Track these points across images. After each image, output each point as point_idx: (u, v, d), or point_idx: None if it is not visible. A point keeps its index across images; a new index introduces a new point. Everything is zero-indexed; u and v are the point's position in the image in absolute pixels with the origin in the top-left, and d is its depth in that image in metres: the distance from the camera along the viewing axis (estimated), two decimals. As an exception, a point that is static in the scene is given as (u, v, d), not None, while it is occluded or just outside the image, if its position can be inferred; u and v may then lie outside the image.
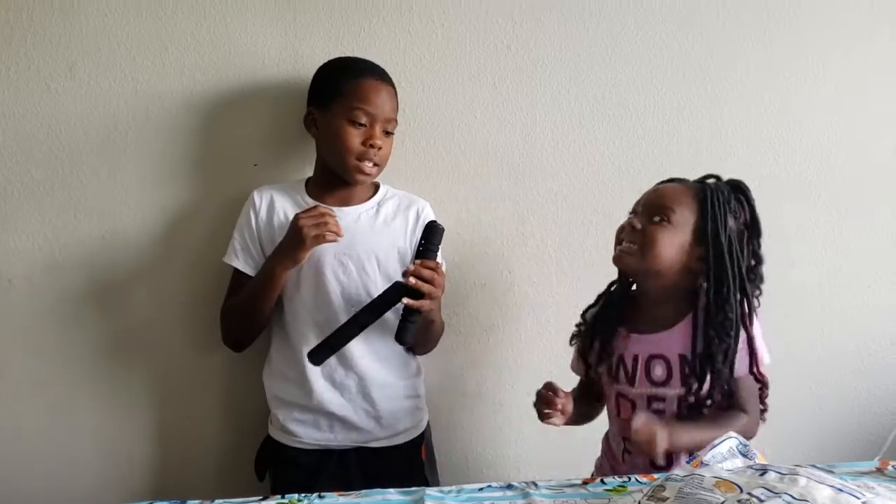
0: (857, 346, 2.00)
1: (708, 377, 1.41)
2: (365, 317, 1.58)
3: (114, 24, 1.78)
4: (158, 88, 1.80)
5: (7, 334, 1.83)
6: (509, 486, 1.29)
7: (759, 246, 1.47)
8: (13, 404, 1.85)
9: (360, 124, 1.65)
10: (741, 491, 1.03)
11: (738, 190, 1.47)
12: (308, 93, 1.74)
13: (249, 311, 1.67)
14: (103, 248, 1.82)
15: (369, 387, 1.70)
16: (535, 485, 1.29)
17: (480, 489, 1.29)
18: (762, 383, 1.47)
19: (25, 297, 1.82)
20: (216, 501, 1.25)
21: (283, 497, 1.26)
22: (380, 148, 1.66)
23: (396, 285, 1.58)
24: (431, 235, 1.58)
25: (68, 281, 1.82)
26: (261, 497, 1.27)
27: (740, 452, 1.19)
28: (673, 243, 1.42)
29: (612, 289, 1.58)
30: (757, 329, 1.46)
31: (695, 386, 1.42)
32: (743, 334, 1.43)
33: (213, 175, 1.84)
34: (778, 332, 1.93)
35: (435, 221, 1.60)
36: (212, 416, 1.90)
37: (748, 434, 1.41)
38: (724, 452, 1.18)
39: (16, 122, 1.78)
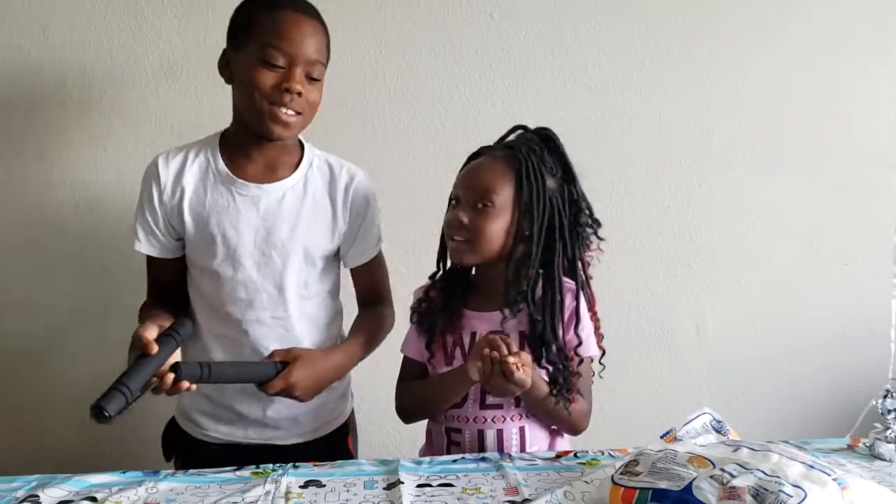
0: (834, 324, 2.01)
1: (544, 356, 1.37)
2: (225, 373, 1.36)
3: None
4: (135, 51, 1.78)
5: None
6: (483, 459, 1.30)
7: (578, 192, 1.41)
8: None
9: (276, 66, 1.36)
10: (714, 466, 1.03)
11: (547, 140, 1.41)
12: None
13: None
14: (76, 213, 1.80)
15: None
16: (510, 457, 1.29)
17: (454, 460, 1.30)
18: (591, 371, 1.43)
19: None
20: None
21: (257, 467, 1.26)
22: (299, 94, 1.37)
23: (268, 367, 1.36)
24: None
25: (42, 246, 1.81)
26: (235, 468, 1.26)
27: (714, 428, 1.20)
28: (500, 227, 1.37)
29: (450, 271, 1.48)
30: (585, 316, 1.41)
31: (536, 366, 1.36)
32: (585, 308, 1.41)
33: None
34: (757, 308, 1.99)
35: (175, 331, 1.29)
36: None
37: (579, 424, 1.39)
38: (697, 428, 1.19)
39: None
